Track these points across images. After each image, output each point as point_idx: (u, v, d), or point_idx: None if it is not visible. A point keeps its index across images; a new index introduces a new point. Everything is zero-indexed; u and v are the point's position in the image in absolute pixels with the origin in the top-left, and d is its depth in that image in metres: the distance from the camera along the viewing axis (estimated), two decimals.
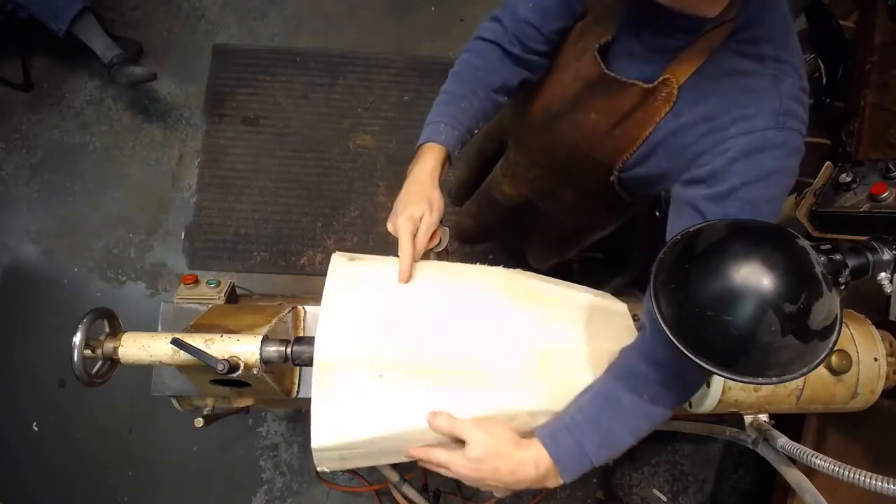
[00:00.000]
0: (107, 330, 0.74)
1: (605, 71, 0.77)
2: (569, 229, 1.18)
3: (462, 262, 0.85)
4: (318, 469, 0.71)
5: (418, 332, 0.72)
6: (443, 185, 0.82)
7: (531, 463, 0.69)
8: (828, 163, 1.28)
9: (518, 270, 0.84)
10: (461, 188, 1.41)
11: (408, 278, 0.75)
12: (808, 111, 0.68)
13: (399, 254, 0.76)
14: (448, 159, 0.83)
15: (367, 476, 1.80)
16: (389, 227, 0.79)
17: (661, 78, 0.72)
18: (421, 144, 0.83)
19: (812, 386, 0.91)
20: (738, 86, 0.67)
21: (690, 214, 0.71)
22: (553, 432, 0.70)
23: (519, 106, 1.00)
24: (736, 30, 0.67)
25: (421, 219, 0.77)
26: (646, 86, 0.73)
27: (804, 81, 0.69)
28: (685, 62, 0.70)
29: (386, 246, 2.00)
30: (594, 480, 1.89)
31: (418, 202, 0.78)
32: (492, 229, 1.34)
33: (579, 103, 0.83)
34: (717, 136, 0.68)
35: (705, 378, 0.76)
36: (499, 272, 0.82)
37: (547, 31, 0.83)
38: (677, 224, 0.72)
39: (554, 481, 0.70)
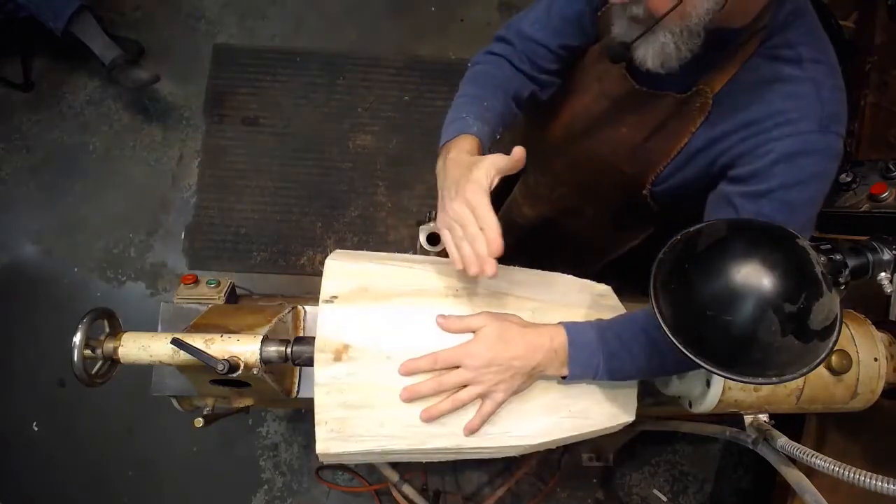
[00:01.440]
0: (107, 330, 0.74)
1: (637, 87, 0.76)
2: (590, 246, 1.17)
3: None
4: (319, 445, 0.70)
5: (421, 323, 0.72)
6: None
7: (546, 334, 0.70)
8: None
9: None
10: None
11: (498, 248, 0.61)
12: (846, 109, 0.69)
13: (483, 225, 0.60)
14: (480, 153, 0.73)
15: (367, 476, 1.80)
16: (440, 220, 0.65)
17: (694, 88, 0.72)
18: (448, 140, 0.72)
19: (812, 386, 0.91)
20: (778, 93, 0.67)
21: (724, 209, 0.71)
22: (577, 323, 0.73)
23: (535, 129, 0.99)
24: (769, 36, 0.67)
25: (493, 180, 0.62)
26: (679, 96, 0.73)
27: (841, 80, 0.69)
28: (718, 72, 0.70)
29: (386, 246, 2.00)
30: (594, 480, 1.90)
31: (477, 168, 0.62)
32: (509, 253, 1.32)
33: (608, 120, 0.83)
34: (759, 138, 0.68)
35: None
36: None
37: (555, 48, 0.83)
38: (712, 217, 0.72)
39: (559, 365, 0.70)
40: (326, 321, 0.70)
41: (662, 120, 0.76)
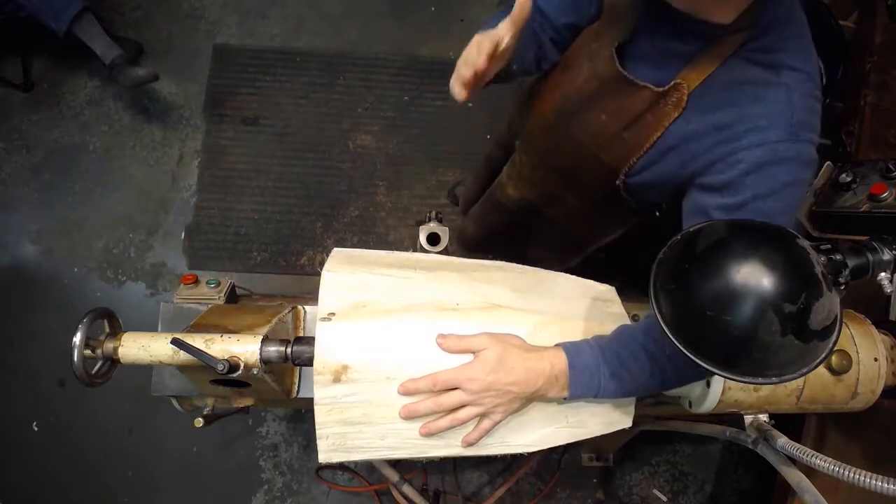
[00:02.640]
0: (107, 330, 0.74)
1: (620, 70, 0.77)
2: (571, 237, 1.18)
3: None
4: (321, 455, 0.70)
5: (418, 337, 0.72)
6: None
7: (547, 359, 0.70)
8: (828, 163, 1.28)
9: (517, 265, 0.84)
10: (468, 200, 1.41)
11: (480, 65, 0.67)
12: (820, 118, 0.69)
13: (479, 49, 0.67)
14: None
15: (367, 476, 1.80)
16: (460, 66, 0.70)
17: (672, 83, 0.72)
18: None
19: (812, 386, 0.92)
20: (750, 96, 0.68)
21: (702, 221, 0.71)
22: (576, 344, 0.73)
23: (529, 106, 1.01)
24: (750, 39, 0.67)
25: (506, 34, 0.67)
26: (657, 89, 0.74)
27: (818, 89, 0.69)
28: (697, 68, 0.71)
29: (386, 246, 2.00)
30: (594, 480, 1.90)
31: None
32: (494, 236, 1.34)
33: (592, 103, 0.83)
34: (730, 146, 0.69)
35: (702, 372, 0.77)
36: (498, 265, 0.83)
37: (556, 24, 0.85)
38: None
39: (560, 389, 0.71)
40: (324, 341, 0.69)
41: (640, 112, 0.77)
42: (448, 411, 0.70)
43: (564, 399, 0.73)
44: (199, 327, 0.79)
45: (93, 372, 0.73)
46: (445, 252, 1.01)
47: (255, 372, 0.72)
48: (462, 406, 0.69)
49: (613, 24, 0.79)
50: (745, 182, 0.67)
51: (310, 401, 0.70)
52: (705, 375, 0.81)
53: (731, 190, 0.69)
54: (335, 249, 0.80)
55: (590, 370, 0.71)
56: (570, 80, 0.87)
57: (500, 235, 1.32)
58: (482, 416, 0.70)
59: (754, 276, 0.52)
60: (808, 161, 0.68)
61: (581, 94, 0.85)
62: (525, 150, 1.05)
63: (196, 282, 0.96)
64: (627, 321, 0.85)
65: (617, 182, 0.85)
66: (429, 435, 0.70)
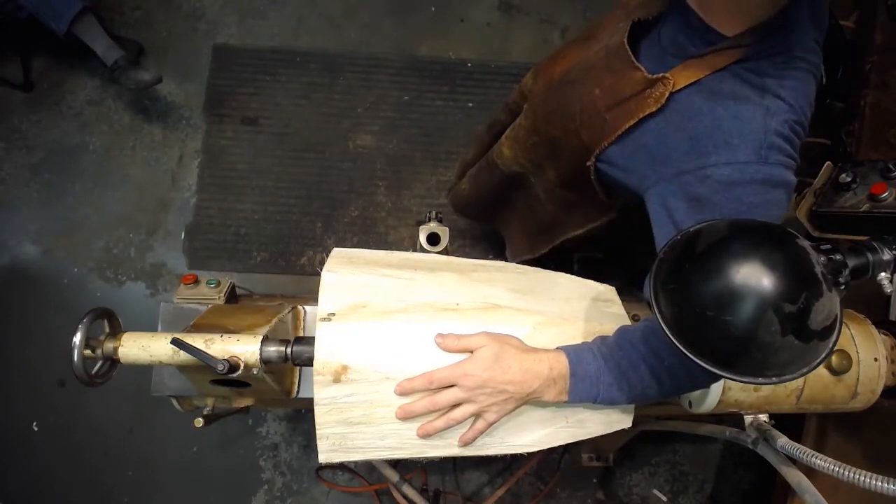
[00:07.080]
0: (107, 330, 0.74)
1: (624, 43, 0.78)
2: (543, 219, 1.20)
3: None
4: (321, 456, 0.71)
5: (419, 335, 0.72)
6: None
7: (546, 362, 0.70)
8: (828, 163, 1.28)
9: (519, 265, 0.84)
10: (465, 164, 1.43)
11: None
12: (798, 149, 0.69)
13: None
14: None
15: (367, 476, 1.80)
16: None
17: (661, 74, 0.73)
18: None
19: (812, 386, 0.92)
20: (729, 111, 0.68)
21: (671, 229, 0.71)
22: (579, 350, 0.72)
23: (542, 66, 1.03)
24: (746, 58, 0.68)
25: None
26: (648, 75, 0.74)
27: (801, 125, 0.68)
28: (688, 70, 0.71)
29: (386, 246, 2.00)
30: (594, 480, 1.90)
31: None
32: (483, 199, 1.37)
33: (592, 74, 0.84)
34: (700, 160, 0.69)
35: (708, 377, 0.76)
36: (498, 265, 0.83)
37: None
38: (660, 233, 0.74)
39: (557, 393, 0.71)
40: (324, 341, 0.69)
41: (627, 96, 0.77)
42: (444, 410, 0.70)
43: (563, 403, 0.73)
44: (199, 327, 0.79)
45: (93, 372, 0.73)
46: (445, 252, 1.01)
47: (255, 372, 0.72)
48: (458, 405, 0.69)
49: (644, 8, 0.80)
50: (714, 200, 0.68)
51: (310, 401, 0.70)
52: (700, 387, 0.81)
53: (699, 206, 0.69)
54: (335, 249, 0.80)
55: (590, 378, 0.71)
56: (585, 50, 0.89)
57: (488, 198, 1.35)
58: (477, 416, 0.70)
59: (754, 276, 0.52)
60: (780, 182, 0.67)
61: (587, 63, 0.86)
62: (526, 112, 1.07)
63: (196, 282, 0.96)
64: (627, 321, 0.85)
65: (588, 163, 0.85)
66: (426, 436, 0.70)
